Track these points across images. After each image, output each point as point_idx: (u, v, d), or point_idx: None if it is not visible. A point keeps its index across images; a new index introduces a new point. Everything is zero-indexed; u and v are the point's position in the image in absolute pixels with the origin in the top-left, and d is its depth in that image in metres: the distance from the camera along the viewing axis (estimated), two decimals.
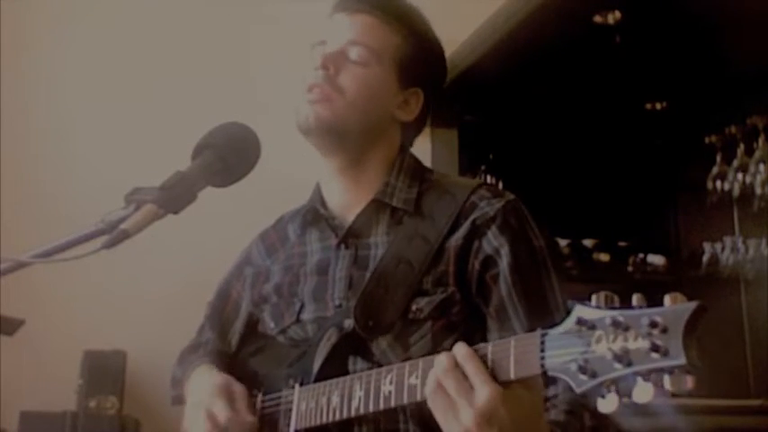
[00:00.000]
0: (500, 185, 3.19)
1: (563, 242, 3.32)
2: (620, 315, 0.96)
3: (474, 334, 1.45)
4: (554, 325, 1.05)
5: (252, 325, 1.69)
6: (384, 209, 1.56)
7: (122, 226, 1.10)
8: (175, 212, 1.17)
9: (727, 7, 2.49)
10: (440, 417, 1.15)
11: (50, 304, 2.68)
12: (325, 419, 1.36)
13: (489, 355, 1.13)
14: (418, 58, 1.62)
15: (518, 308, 1.44)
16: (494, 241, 1.47)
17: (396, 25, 1.59)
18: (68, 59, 3.00)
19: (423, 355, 1.41)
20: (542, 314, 1.44)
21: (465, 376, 1.12)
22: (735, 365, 3.23)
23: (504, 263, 1.46)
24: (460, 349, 1.14)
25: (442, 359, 1.15)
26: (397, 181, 1.58)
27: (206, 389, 1.53)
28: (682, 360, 0.90)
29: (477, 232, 1.48)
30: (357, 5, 1.58)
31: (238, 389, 1.52)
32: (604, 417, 1.31)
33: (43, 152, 2.91)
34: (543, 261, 1.50)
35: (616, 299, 0.99)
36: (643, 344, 0.92)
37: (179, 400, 1.68)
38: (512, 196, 1.54)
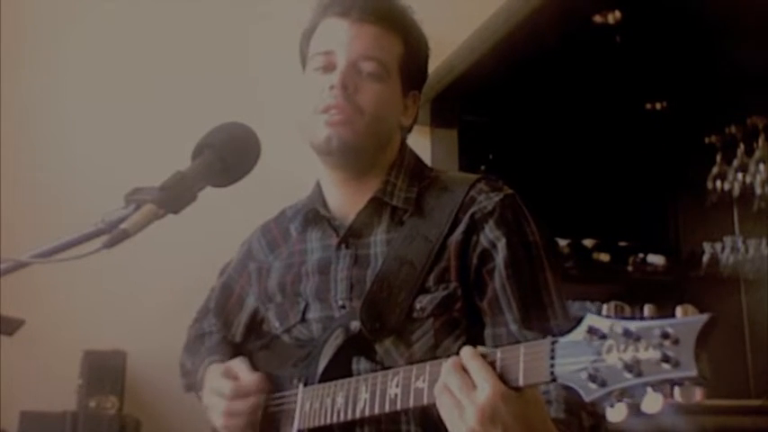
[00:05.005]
0: None
1: (563, 242, 3.31)
2: (631, 325, 0.96)
3: (476, 330, 1.45)
4: (557, 331, 1.05)
5: (257, 320, 1.71)
6: (384, 208, 1.56)
7: (122, 226, 1.10)
8: (175, 212, 1.17)
9: (727, 7, 2.49)
10: (446, 417, 1.16)
11: (50, 304, 2.67)
12: (329, 420, 1.37)
13: (498, 361, 1.13)
14: (416, 64, 1.62)
15: (511, 302, 1.44)
16: (490, 235, 1.47)
17: (399, 34, 1.58)
18: (68, 59, 3.00)
19: (425, 353, 1.43)
20: (536, 309, 1.44)
21: (469, 376, 1.13)
22: (735, 365, 3.22)
23: (499, 257, 1.46)
24: (466, 351, 1.15)
25: (449, 361, 1.15)
26: (397, 180, 1.58)
27: (213, 379, 1.59)
28: (693, 372, 0.90)
29: (475, 227, 1.49)
30: (363, 15, 1.55)
31: (236, 363, 1.59)
32: (601, 416, 1.32)
33: (43, 152, 2.91)
34: (538, 256, 1.50)
35: (626, 309, 0.99)
36: (654, 354, 0.93)
37: (190, 388, 1.74)
38: (510, 190, 1.55)
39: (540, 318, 1.43)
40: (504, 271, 1.45)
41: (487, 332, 1.45)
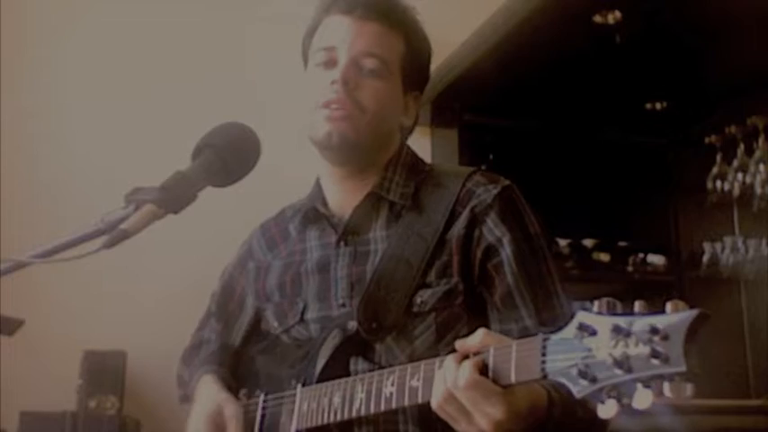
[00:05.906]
0: None
1: (563, 242, 3.31)
2: (621, 321, 0.96)
3: (476, 324, 1.45)
4: (558, 325, 1.05)
5: (257, 321, 1.70)
6: (382, 203, 1.57)
7: (122, 226, 1.10)
8: (175, 212, 1.17)
9: (727, 8, 2.49)
10: (450, 423, 1.19)
11: (50, 304, 2.68)
12: (326, 420, 1.37)
13: (490, 360, 1.14)
14: (418, 63, 1.62)
15: (525, 295, 1.45)
16: (495, 230, 1.48)
17: (401, 32, 1.58)
18: (68, 59, 3.00)
19: (427, 348, 1.43)
20: (547, 299, 1.46)
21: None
22: (735, 365, 3.22)
23: (506, 252, 1.46)
24: (459, 378, 1.15)
25: (438, 389, 1.17)
26: (395, 175, 1.58)
27: (201, 415, 1.56)
28: (682, 367, 0.90)
29: (476, 220, 1.49)
30: (365, 12, 1.55)
31: (230, 413, 1.54)
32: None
33: (43, 152, 2.91)
34: (541, 246, 1.51)
35: (618, 305, 0.99)
36: (644, 350, 0.92)
37: (186, 399, 1.71)
38: (507, 182, 1.55)
39: (551, 310, 1.45)
40: (514, 266, 1.46)
41: (495, 328, 1.45)
